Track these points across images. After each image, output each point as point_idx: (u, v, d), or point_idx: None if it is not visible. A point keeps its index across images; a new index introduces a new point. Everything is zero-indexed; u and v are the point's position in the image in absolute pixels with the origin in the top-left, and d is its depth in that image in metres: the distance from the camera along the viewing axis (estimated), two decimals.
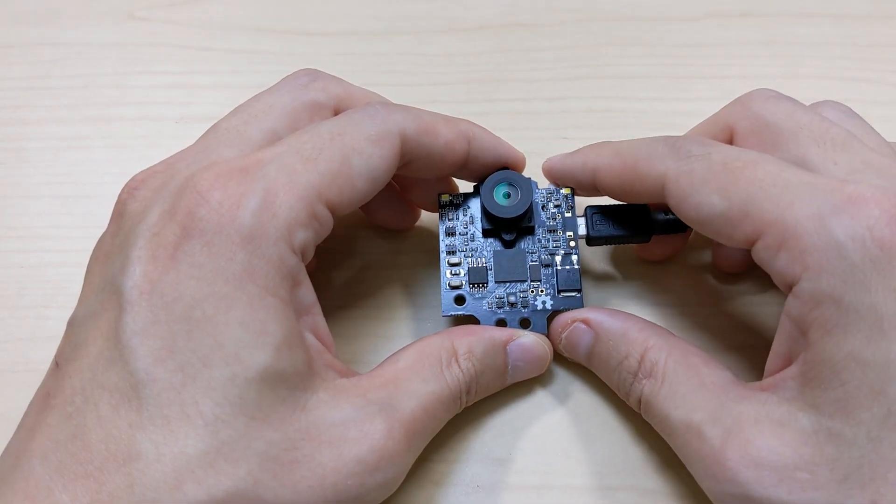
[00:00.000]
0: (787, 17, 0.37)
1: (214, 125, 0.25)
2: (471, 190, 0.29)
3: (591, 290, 0.31)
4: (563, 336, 0.27)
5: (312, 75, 0.27)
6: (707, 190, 0.23)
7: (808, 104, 0.26)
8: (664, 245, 0.30)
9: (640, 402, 0.26)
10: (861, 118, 0.26)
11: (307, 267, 0.24)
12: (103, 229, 0.25)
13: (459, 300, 0.28)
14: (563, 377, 0.29)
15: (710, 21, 0.37)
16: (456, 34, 0.38)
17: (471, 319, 0.28)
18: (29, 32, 0.38)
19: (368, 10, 0.38)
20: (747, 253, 0.23)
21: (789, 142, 0.24)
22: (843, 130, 0.24)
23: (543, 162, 0.29)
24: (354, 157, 0.24)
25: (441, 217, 0.29)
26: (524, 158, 0.29)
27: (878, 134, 0.26)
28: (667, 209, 0.28)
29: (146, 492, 0.19)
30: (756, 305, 0.30)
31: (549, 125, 0.35)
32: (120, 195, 0.24)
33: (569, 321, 0.27)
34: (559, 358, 0.29)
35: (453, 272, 0.28)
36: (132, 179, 0.24)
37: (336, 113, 0.27)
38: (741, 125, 0.26)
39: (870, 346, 0.20)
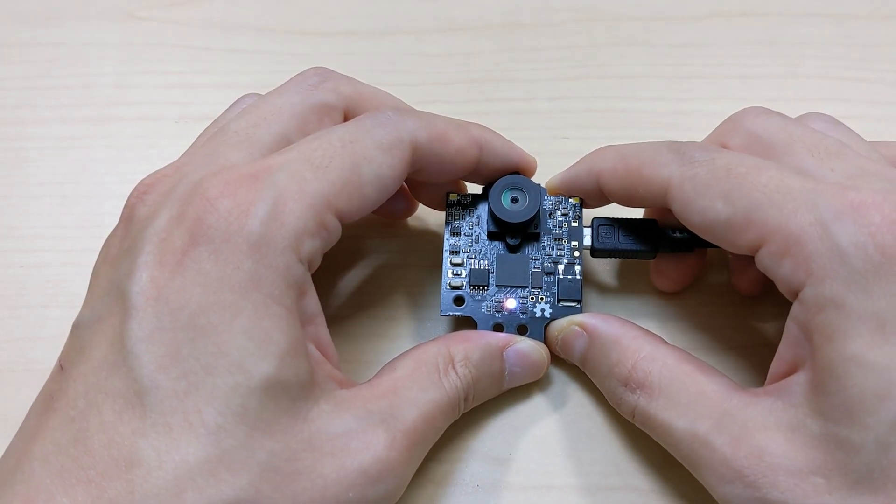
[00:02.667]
0: (787, 17, 0.37)
1: (223, 126, 0.25)
2: (479, 191, 0.29)
3: (595, 300, 0.31)
4: (559, 338, 0.27)
5: (323, 75, 0.27)
6: (711, 195, 0.23)
7: (793, 117, 0.26)
8: (675, 269, 0.29)
9: (633, 413, 0.25)
10: (846, 126, 0.26)
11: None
12: (103, 229, 0.25)
13: (459, 301, 0.28)
14: (563, 378, 0.29)
15: (710, 21, 0.37)
16: (456, 34, 0.38)
17: (469, 321, 0.28)
18: (29, 32, 0.38)
19: (368, 10, 0.38)
20: (765, 276, 0.23)
21: (784, 154, 0.24)
22: (835, 140, 0.24)
23: (546, 181, 0.29)
24: (365, 165, 0.23)
25: (447, 216, 0.29)
26: (535, 163, 0.29)
27: (865, 141, 0.26)
28: (676, 227, 0.28)
29: (147, 499, 0.19)
30: (757, 306, 0.30)
31: (549, 125, 0.35)
32: (129, 199, 0.24)
33: (564, 324, 0.27)
34: (559, 359, 0.29)
35: (455, 272, 0.28)
36: (140, 183, 0.24)
37: (346, 114, 0.27)
38: (735, 142, 0.26)
39: (872, 351, 0.20)
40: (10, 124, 0.36)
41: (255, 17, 0.38)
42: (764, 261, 0.23)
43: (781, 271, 0.22)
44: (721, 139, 0.27)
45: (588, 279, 0.31)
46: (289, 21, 0.38)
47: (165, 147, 0.26)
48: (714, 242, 0.25)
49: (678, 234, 0.28)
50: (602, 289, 0.31)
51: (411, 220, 0.33)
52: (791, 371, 0.23)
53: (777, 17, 0.37)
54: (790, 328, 0.22)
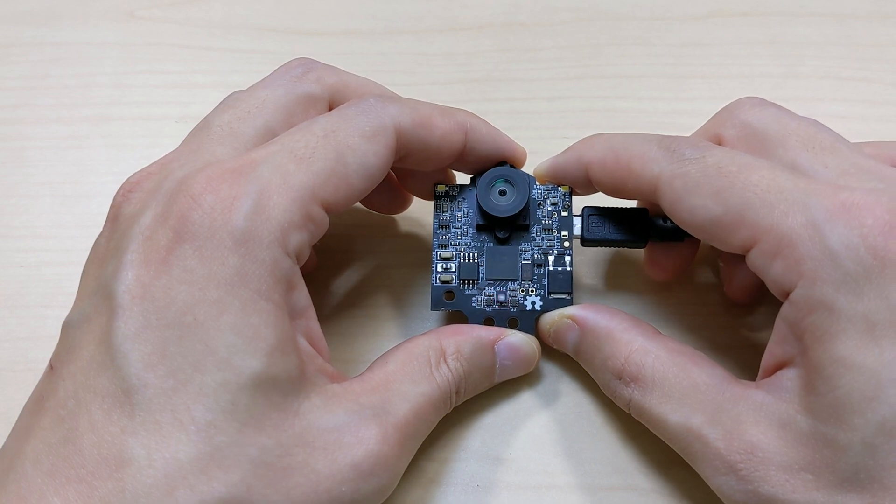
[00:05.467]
0: (787, 16, 0.37)
1: (206, 121, 0.25)
2: (468, 181, 0.29)
3: (586, 295, 0.31)
4: (552, 331, 0.27)
5: (307, 66, 0.27)
6: (701, 194, 0.23)
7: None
8: (667, 259, 0.29)
9: (628, 405, 0.26)
10: (831, 129, 0.26)
11: (307, 265, 0.23)
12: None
13: (449, 296, 0.28)
14: (563, 376, 0.29)
15: (710, 20, 0.37)
16: (456, 34, 0.38)
17: (459, 316, 0.28)
18: (29, 32, 0.38)
19: (368, 9, 0.38)
20: (759, 283, 0.23)
21: (778, 147, 0.24)
22: (829, 135, 0.24)
23: (535, 168, 0.28)
24: (349, 154, 0.23)
25: (436, 209, 0.28)
26: (524, 153, 0.29)
27: (851, 143, 0.25)
28: (666, 216, 0.28)
29: (138, 497, 0.19)
30: (748, 307, 0.30)
31: (548, 125, 0.35)
32: (115, 198, 0.24)
33: (556, 317, 0.27)
34: (560, 356, 0.29)
35: (444, 266, 0.28)
36: (126, 182, 0.24)
37: (331, 104, 0.27)
38: (729, 133, 0.26)
39: (861, 353, 0.20)
40: (10, 124, 0.36)
41: (255, 17, 0.38)
42: (755, 261, 0.22)
43: (772, 272, 0.22)
44: (715, 129, 0.26)
45: (579, 273, 0.31)
46: (289, 21, 0.38)
47: (165, 147, 0.25)
48: (704, 240, 0.24)
49: (669, 224, 0.28)
50: (593, 284, 0.31)
51: (401, 220, 0.33)
52: (781, 366, 0.23)
53: (777, 17, 0.37)
54: (780, 327, 0.22)
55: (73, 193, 0.34)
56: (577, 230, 0.28)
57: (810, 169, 0.23)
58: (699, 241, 0.29)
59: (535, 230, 0.28)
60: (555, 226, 0.28)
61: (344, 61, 0.29)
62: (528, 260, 0.28)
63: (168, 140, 0.27)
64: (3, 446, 0.22)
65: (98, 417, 0.20)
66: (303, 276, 0.23)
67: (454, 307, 0.28)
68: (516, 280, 0.28)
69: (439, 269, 0.28)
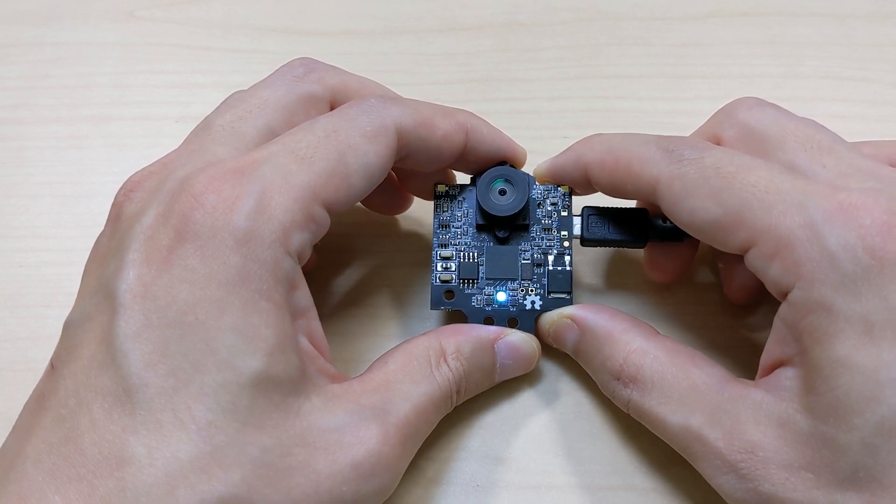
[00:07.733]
0: (787, 16, 0.37)
1: (207, 121, 0.25)
2: (468, 181, 0.29)
3: (586, 295, 0.31)
4: (551, 331, 0.27)
5: (308, 65, 0.27)
6: (700, 195, 0.23)
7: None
8: (667, 260, 0.29)
9: (626, 406, 0.26)
10: (830, 130, 0.26)
11: (307, 264, 0.23)
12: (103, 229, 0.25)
13: (448, 295, 0.28)
14: (563, 375, 0.29)
15: (710, 20, 0.37)
16: (456, 34, 0.38)
17: (459, 315, 0.28)
18: (29, 32, 0.38)
19: (368, 9, 0.38)
20: (758, 284, 0.23)
21: (777, 148, 0.24)
22: (828, 135, 0.24)
23: (534, 168, 0.28)
24: (350, 154, 0.23)
25: (436, 209, 0.28)
26: (525, 153, 0.29)
27: (849, 143, 0.25)
28: (666, 217, 0.28)
29: (139, 496, 0.19)
30: (753, 305, 0.30)
31: (548, 125, 0.35)
32: (116, 197, 0.24)
33: (555, 317, 0.27)
34: (560, 355, 0.29)
35: (444, 266, 0.28)
36: (128, 181, 0.24)
37: (333, 105, 0.27)
38: (728, 134, 0.26)
39: (859, 353, 0.20)
40: (10, 124, 0.36)
41: (255, 17, 0.38)
42: (753, 262, 0.23)
43: (770, 273, 0.22)
44: (714, 130, 0.26)
45: (579, 273, 0.31)
46: (289, 21, 0.38)
47: (165, 147, 0.25)
48: (704, 241, 0.24)
49: (668, 224, 0.28)
50: (593, 283, 0.31)
51: (402, 219, 0.33)
52: (779, 365, 0.23)
53: (777, 17, 0.37)
54: (778, 327, 0.22)
55: (73, 193, 0.34)
56: (576, 230, 0.28)
57: (808, 169, 0.23)
58: (698, 241, 0.29)
59: (535, 230, 0.28)
60: (554, 225, 0.28)
61: (344, 61, 0.29)
62: (528, 259, 0.28)
63: (168, 140, 0.27)
64: (3, 446, 0.22)
65: (99, 416, 0.20)
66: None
67: (454, 306, 0.28)
68: (516, 279, 0.28)
69: (439, 268, 0.28)
